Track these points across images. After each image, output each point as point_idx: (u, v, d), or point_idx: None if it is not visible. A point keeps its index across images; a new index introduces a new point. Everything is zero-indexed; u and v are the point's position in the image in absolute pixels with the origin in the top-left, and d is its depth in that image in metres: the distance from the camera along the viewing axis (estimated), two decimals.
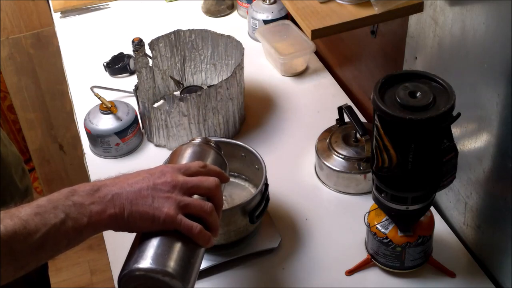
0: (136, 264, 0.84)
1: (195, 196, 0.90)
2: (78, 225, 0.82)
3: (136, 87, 1.45)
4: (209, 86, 1.44)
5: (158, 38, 1.53)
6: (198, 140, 1.05)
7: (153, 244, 0.85)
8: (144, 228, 0.86)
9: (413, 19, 1.20)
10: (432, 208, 1.15)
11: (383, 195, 1.06)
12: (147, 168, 0.92)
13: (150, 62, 1.52)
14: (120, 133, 1.44)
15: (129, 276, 0.84)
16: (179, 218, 0.86)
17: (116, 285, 1.10)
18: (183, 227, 0.86)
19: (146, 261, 0.84)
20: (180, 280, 0.84)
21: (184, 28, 1.56)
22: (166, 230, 0.86)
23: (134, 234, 0.89)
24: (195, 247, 0.88)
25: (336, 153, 1.32)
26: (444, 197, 1.24)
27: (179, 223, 0.86)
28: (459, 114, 0.96)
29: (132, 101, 1.51)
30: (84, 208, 0.83)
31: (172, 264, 0.84)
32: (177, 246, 0.86)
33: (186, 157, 1.01)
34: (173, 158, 1.02)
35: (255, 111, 1.57)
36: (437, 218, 1.22)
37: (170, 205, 0.86)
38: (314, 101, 1.59)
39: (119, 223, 0.85)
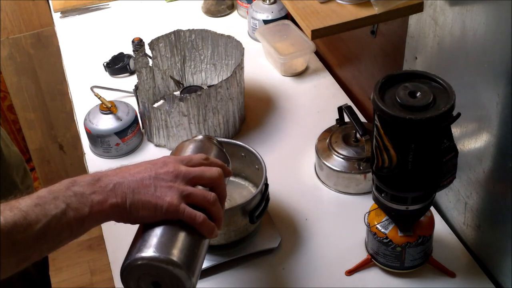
0: (139, 253, 0.82)
1: (198, 187, 0.89)
2: (79, 215, 0.80)
3: (136, 87, 1.45)
4: (209, 86, 1.44)
5: (158, 38, 1.54)
6: (200, 136, 1.04)
7: (156, 234, 0.83)
8: (146, 217, 0.85)
9: (413, 19, 1.20)
10: (432, 208, 1.15)
11: (383, 195, 1.06)
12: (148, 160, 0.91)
13: (150, 62, 1.52)
14: (120, 133, 1.44)
15: (132, 266, 0.82)
16: (182, 207, 0.84)
17: (117, 285, 1.10)
18: (186, 216, 0.84)
19: (149, 250, 0.81)
20: (185, 270, 0.81)
21: (184, 28, 1.56)
22: (169, 220, 0.85)
23: (135, 232, 0.89)
24: (199, 237, 0.86)
25: (336, 153, 1.32)
26: (444, 197, 1.24)
27: (182, 212, 0.84)
28: (459, 114, 0.96)
29: (132, 101, 1.51)
30: (85, 198, 0.82)
31: (176, 252, 0.82)
32: (181, 236, 0.84)
33: (188, 152, 1.00)
34: (176, 153, 1.02)
35: (255, 111, 1.56)
36: (437, 218, 1.22)
37: (173, 194, 0.84)
38: (314, 101, 1.59)
39: (121, 213, 0.84)
